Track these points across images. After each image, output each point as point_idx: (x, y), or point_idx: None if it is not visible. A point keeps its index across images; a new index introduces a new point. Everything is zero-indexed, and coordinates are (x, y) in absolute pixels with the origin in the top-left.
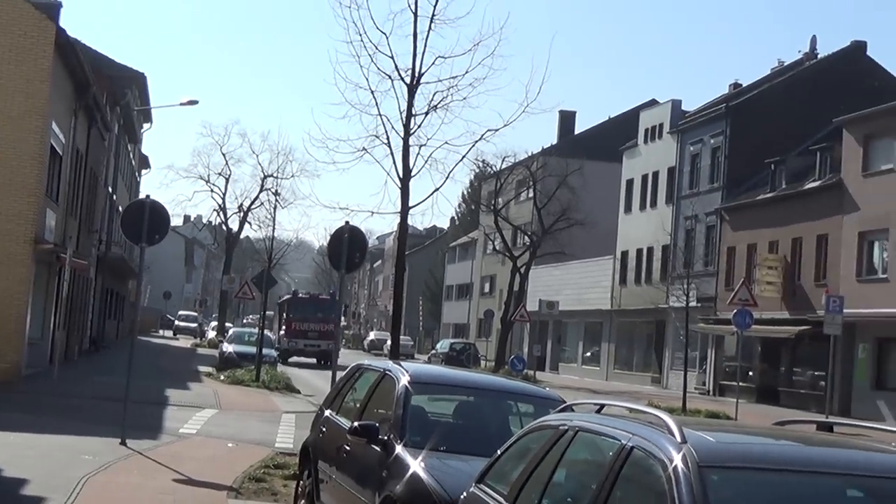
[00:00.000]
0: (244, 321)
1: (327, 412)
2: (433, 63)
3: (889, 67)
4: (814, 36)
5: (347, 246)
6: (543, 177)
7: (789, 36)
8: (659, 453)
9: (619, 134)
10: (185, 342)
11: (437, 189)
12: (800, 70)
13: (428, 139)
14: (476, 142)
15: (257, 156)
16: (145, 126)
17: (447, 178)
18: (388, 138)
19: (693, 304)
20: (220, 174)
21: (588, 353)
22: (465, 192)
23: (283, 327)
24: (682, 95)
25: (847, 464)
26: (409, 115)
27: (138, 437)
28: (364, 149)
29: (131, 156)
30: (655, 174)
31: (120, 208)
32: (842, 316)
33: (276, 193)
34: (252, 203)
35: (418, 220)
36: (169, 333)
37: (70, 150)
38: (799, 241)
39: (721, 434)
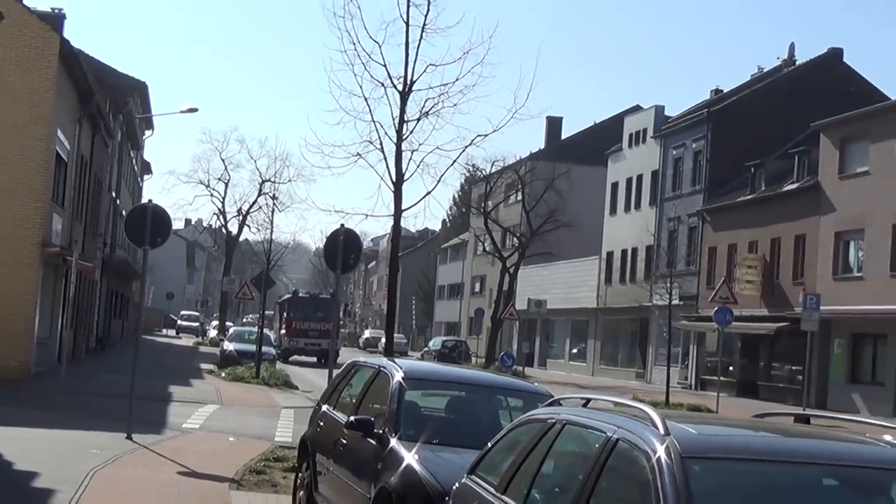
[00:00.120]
0: (244, 320)
1: (324, 407)
2: (424, 71)
3: (864, 73)
4: (792, 43)
5: (343, 248)
6: (531, 180)
7: (768, 43)
8: (643, 445)
9: (604, 139)
10: (187, 341)
11: (428, 192)
12: (778, 76)
13: (420, 144)
14: (466, 147)
15: (255, 161)
16: (147, 133)
17: (439, 181)
18: (381, 144)
19: (676, 302)
20: (219, 179)
21: (575, 350)
22: (456, 196)
23: (284, 326)
24: (665, 101)
25: (823, 454)
26: (402, 121)
27: (143, 432)
28: (358, 154)
29: (134, 162)
30: (639, 177)
31: (123, 212)
32: (818, 313)
33: (274, 197)
34: (251, 207)
35: (411, 223)
36: (172, 333)
37: (75, 157)
38: (777, 241)
39: (703, 426)
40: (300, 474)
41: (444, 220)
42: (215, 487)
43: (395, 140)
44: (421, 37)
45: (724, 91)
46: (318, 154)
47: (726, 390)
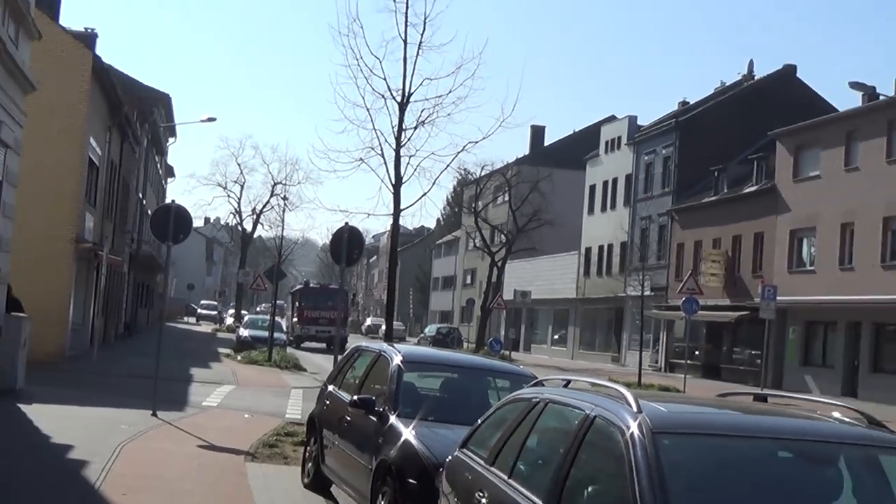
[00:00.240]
0: (258, 309)
1: (330, 387)
2: (421, 84)
3: (816, 87)
4: (751, 60)
5: (347, 243)
6: (517, 183)
7: (730, 60)
8: (618, 421)
9: (582, 145)
10: (206, 328)
11: (424, 194)
12: (739, 89)
13: (417, 150)
14: (458, 153)
15: (268, 165)
16: (170, 140)
17: (433, 184)
18: (381, 150)
19: (647, 293)
20: (235, 181)
21: (556, 336)
22: (449, 197)
23: (296, 315)
24: (638, 112)
25: (779, 429)
26: (400, 129)
27: (167, 410)
28: (361, 159)
29: (158, 166)
30: (615, 180)
31: (149, 212)
32: (775, 303)
33: (285, 198)
34: (264, 207)
35: (409, 221)
36: (192, 320)
37: (106, 162)
38: (739, 238)
39: (672, 405)
40: (308, 448)
41: (438, 219)
42: (232, 459)
43: (394, 146)
44: (417, 53)
45: (691, 103)
46: (325, 159)
47: (692, 372)
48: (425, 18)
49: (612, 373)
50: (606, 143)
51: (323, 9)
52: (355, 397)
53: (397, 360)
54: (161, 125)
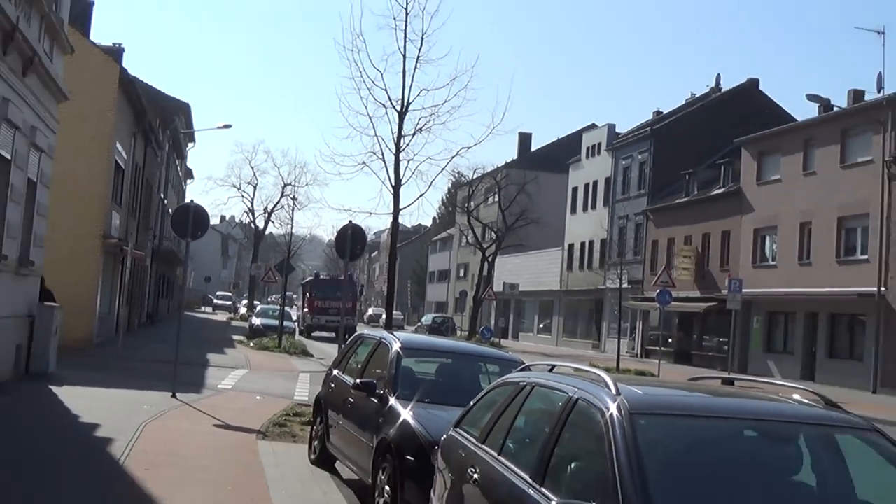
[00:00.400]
0: (269, 300)
1: (335, 372)
2: (418, 95)
3: (777, 99)
4: (718, 73)
5: (350, 240)
6: (506, 185)
7: (699, 73)
8: (598, 403)
9: (566, 151)
10: (221, 316)
11: (422, 195)
12: (707, 100)
13: (414, 155)
14: (453, 157)
15: (279, 168)
16: (189, 145)
17: (430, 185)
18: (382, 154)
19: (625, 285)
20: (249, 183)
21: (542, 325)
22: (444, 197)
23: (307, 305)
24: (616, 120)
25: (744, 410)
26: (400, 135)
27: (186, 392)
28: (364, 163)
29: (178, 169)
30: (595, 183)
31: (170, 210)
32: (741, 295)
33: (294, 198)
34: (274, 206)
35: (407, 220)
36: (209, 310)
37: (131, 165)
38: (708, 236)
39: (647, 388)
40: (315, 427)
41: (434, 218)
42: (245, 437)
43: (394, 151)
44: (416, 67)
45: (664, 112)
46: (331, 162)
47: (666, 358)
48: (423, 35)
49: (593, 359)
50: (587, 148)
51: (329, 26)
52: (358, 381)
53: (396, 346)
54: (181, 131)
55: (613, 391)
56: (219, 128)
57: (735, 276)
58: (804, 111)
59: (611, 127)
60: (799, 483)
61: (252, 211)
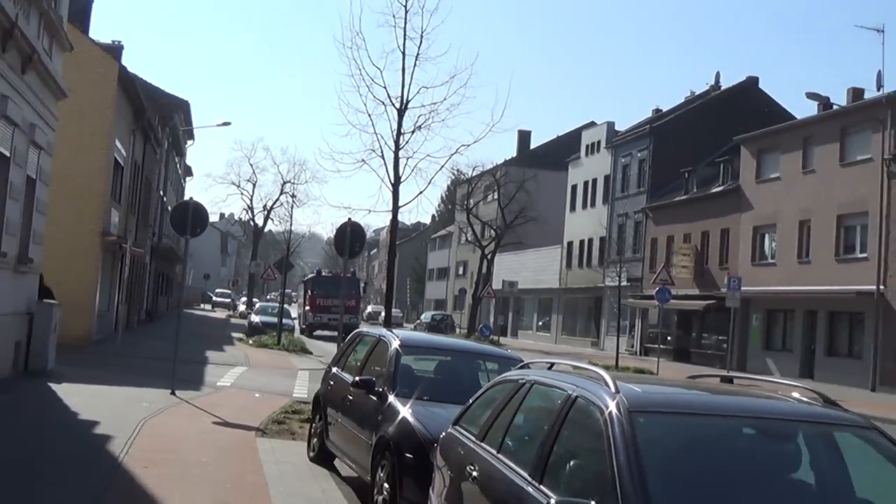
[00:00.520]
0: (268, 297)
1: (334, 369)
2: (418, 92)
3: (776, 97)
4: (718, 72)
5: (350, 237)
6: (505, 183)
7: (698, 71)
8: (597, 401)
9: (565, 148)
10: (220, 314)
11: (421, 192)
12: (707, 98)
13: (414, 152)
14: (452, 155)
15: (278, 166)
16: (189, 142)
17: (429, 183)
18: (381, 152)
19: (624, 283)
20: (248, 180)
21: (541, 322)
22: (444, 195)
23: (308, 303)
24: (616, 118)
25: (743, 408)
26: (399, 133)
27: (185, 389)
28: (363, 160)
29: (178, 166)
30: (594, 181)
31: (169, 208)
32: (740, 293)
33: (293, 196)
34: (274, 203)
35: (406, 217)
36: (208, 307)
37: (130, 163)
38: (707, 234)
39: (646, 386)
40: (314, 424)
41: (433, 215)
42: (244, 435)
43: (393, 149)
44: (415, 64)
45: (663, 110)
46: (330, 160)
47: (665, 356)
48: (422, 33)
49: (591, 356)
50: (587, 146)
51: (329, 23)
52: (357, 378)
53: (395, 344)
54: (180, 129)
55: (612, 389)
56: (218, 125)
57: (734, 273)
58: (804, 109)
59: (610, 125)
60: (797, 481)
61: (251, 208)
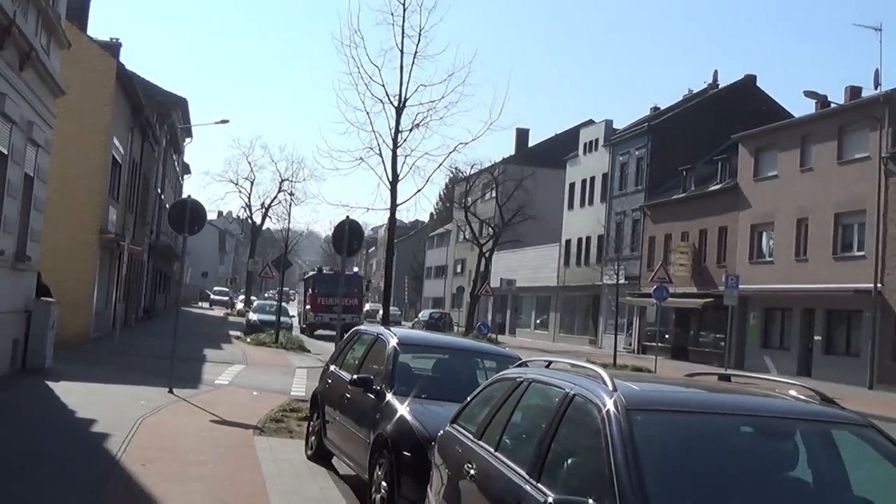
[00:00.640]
0: (266, 295)
1: (332, 367)
2: (416, 90)
3: (774, 95)
4: (715, 70)
5: (348, 235)
6: (504, 181)
7: (696, 69)
8: (595, 399)
9: (563, 146)
10: (218, 312)
11: (419, 190)
12: (705, 97)
13: (412, 150)
14: (450, 153)
15: (276, 164)
16: (187, 140)
17: (427, 181)
18: (379, 150)
19: (622, 281)
20: (246, 178)
21: (539, 321)
22: (442, 193)
23: (309, 302)
24: (614, 116)
25: (741, 407)
26: (397, 131)
27: (182, 387)
28: (361, 158)
29: (176, 164)
30: (592, 179)
31: (167, 206)
32: (737, 291)
33: (291, 194)
34: (272, 201)
35: (404, 215)
36: (206, 305)
37: (128, 160)
38: (705, 232)
39: (644, 384)
40: (312, 423)
41: (431, 213)
42: (242, 433)
43: (391, 147)
44: (413, 62)
45: (661, 108)
46: (328, 158)
47: (663, 354)
48: (420, 31)
49: (589, 354)
50: (585, 144)
51: (327, 21)
52: (355, 376)
53: (393, 342)
54: (178, 126)
55: (610, 387)
56: (216, 123)
57: (732, 272)
58: (801, 108)
59: (608, 123)
60: (795, 479)
61: (249, 206)
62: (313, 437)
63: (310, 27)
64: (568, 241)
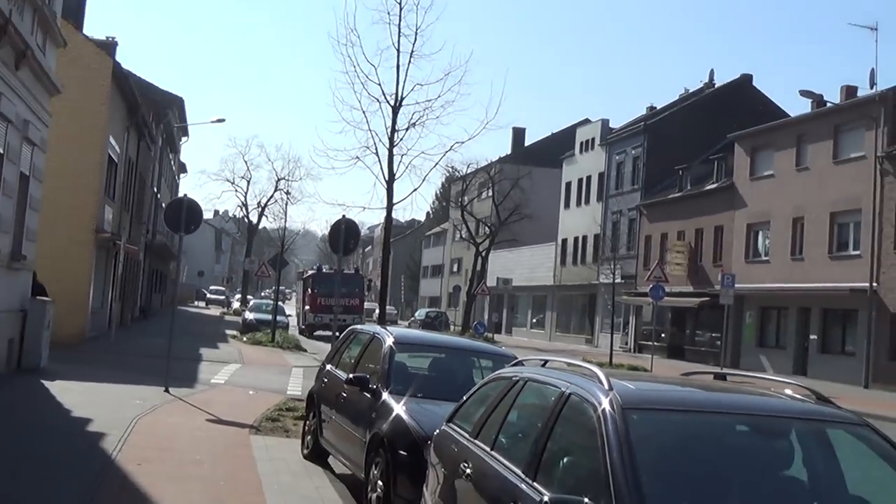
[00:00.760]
0: (262, 294)
1: (328, 366)
2: (412, 89)
3: (770, 95)
4: (712, 69)
5: (344, 234)
6: (500, 180)
7: (692, 68)
8: (591, 398)
9: (560, 146)
10: (214, 311)
11: (415, 189)
12: (701, 96)
13: (408, 150)
14: (446, 152)
15: (272, 163)
16: (183, 139)
17: (423, 180)
18: (376, 149)
19: (618, 280)
20: (242, 177)
21: (535, 320)
22: (438, 192)
23: (308, 302)
24: (610, 115)
25: (737, 405)
26: (393, 130)
27: (178, 386)
28: (357, 157)
29: (172, 163)
30: (588, 178)
31: (163, 205)
32: (733, 290)
33: (288, 193)
34: (268, 200)
35: (401, 214)
36: (202, 304)
37: (124, 159)
38: (701, 231)
39: (640, 383)
40: (308, 422)
41: (428, 212)
42: (238, 432)
43: (387, 146)
44: (409, 61)
45: (657, 108)
46: (325, 157)
47: (659, 353)
48: (416, 30)
49: (586, 353)
50: (581, 143)
51: (324, 20)
52: (351, 375)
53: (389, 341)
54: (175, 125)
55: (606, 386)
56: (212, 122)
57: (728, 271)
58: (797, 107)
59: (604, 122)
60: (790, 478)
61: (245, 205)
62: (309, 437)
63: (306, 26)
64: (564, 241)
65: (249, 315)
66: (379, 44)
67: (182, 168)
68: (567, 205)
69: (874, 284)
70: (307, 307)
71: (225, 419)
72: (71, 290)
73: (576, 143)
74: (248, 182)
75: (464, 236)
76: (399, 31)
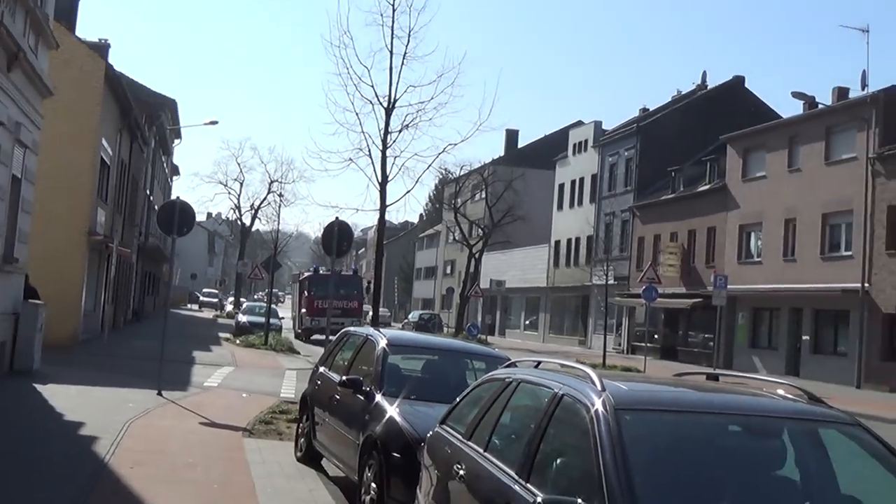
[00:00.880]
0: (255, 297)
1: (321, 369)
2: (405, 91)
3: (762, 96)
4: (704, 71)
5: (337, 236)
6: (493, 182)
7: (685, 70)
8: (584, 399)
9: (553, 147)
10: (207, 314)
11: (408, 191)
12: (693, 98)
13: (401, 151)
14: (440, 154)
15: (265, 165)
16: (176, 141)
17: (416, 182)
18: (369, 151)
19: (611, 282)
20: (235, 179)
21: (528, 321)
22: (431, 194)
23: (305, 305)
24: (603, 117)
25: (729, 406)
26: (386, 132)
27: (171, 389)
28: (350, 159)
29: (164, 165)
30: (581, 179)
31: (156, 207)
32: (726, 291)
33: (281, 195)
34: (261, 203)
35: (394, 216)
36: (195, 307)
37: (116, 161)
38: (693, 233)
39: (633, 384)
40: (301, 424)
41: (421, 214)
42: (231, 435)
43: (380, 148)
44: (402, 63)
45: (650, 109)
46: (318, 159)
47: (652, 354)
48: (410, 32)
49: (579, 355)
50: (574, 145)
51: (316, 22)
52: (344, 378)
53: (383, 343)
54: (167, 128)
55: (599, 387)
56: (205, 124)
57: (720, 272)
58: (789, 109)
59: (597, 124)
60: (783, 478)
61: (238, 208)
62: (303, 439)
63: (299, 28)
64: (557, 242)
65: (242, 318)
66: (372, 46)
67: (175, 170)
68: (560, 206)
69: (866, 285)
70: (303, 310)
71: (218, 422)
72: (63, 292)
73: (569, 144)
74: (241, 184)
75: (457, 238)
76: (392, 33)
